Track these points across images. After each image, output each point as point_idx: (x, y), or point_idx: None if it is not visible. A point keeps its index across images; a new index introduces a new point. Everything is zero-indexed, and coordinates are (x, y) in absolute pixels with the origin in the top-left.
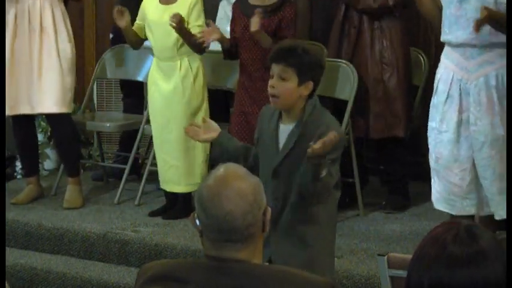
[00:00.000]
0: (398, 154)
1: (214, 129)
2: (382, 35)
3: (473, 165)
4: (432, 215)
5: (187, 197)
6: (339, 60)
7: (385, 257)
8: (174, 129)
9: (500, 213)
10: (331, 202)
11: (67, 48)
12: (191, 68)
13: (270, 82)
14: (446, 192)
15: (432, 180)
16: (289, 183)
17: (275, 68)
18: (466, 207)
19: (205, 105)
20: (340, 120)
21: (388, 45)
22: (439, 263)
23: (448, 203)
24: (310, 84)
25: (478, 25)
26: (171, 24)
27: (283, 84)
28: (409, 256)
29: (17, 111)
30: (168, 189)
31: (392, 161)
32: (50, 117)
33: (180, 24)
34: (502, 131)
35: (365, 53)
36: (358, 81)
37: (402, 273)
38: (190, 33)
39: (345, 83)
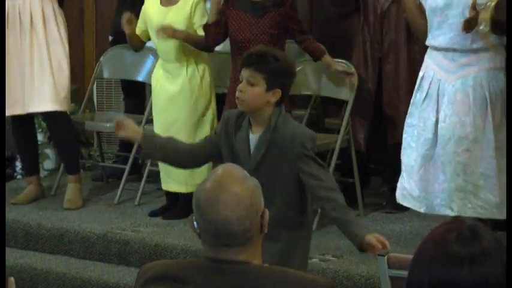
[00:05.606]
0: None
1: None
2: (412, 37)
3: None
4: (432, 215)
5: (187, 197)
6: (339, 60)
7: (385, 257)
8: (180, 130)
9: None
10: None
11: (57, 47)
12: (198, 69)
13: (239, 86)
14: (418, 190)
15: (401, 176)
16: (271, 188)
17: (244, 73)
18: (436, 207)
19: (213, 105)
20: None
21: (420, 49)
22: (440, 262)
23: (418, 201)
24: (278, 92)
25: (467, 26)
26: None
27: (251, 89)
28: (409, 256)
29: (12, 111)
30: (172, 190)
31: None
32: (46, 117)
33: (173, 33)
34: (472, 131)
35: (401, 57)
36: (394, 87)
37: (402, 273)
38: (191, 34)
39: (345, 83)
